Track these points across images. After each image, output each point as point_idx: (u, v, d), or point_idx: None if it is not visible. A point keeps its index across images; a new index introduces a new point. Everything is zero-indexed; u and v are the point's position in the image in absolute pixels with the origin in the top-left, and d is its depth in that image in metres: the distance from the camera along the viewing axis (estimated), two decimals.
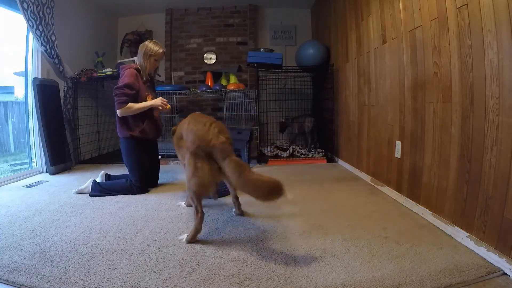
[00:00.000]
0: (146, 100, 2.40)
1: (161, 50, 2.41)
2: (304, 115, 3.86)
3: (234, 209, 1.93)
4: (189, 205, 2.00)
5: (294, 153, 3.71)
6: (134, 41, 4.52)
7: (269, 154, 3.63)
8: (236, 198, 1.91)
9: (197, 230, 1.55)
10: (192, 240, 1.54)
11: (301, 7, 4.72)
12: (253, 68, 3.76)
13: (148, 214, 1.94)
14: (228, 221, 1.80)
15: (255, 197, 1.34)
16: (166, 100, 2.44)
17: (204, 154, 1.49)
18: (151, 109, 2.40)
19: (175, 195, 2.33)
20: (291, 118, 3.85)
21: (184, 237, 1.57)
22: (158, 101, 2.39)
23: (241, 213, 1.90)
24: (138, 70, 2.39)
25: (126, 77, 2.30)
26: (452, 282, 1.17)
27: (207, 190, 1.53)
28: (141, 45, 2.42)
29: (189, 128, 1.63)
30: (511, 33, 1.21)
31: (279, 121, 3.86)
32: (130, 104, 2.28)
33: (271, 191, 1.29)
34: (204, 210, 1.95)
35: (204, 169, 1.49)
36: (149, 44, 2.39)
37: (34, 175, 3.05)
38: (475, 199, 1.43)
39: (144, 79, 2.45)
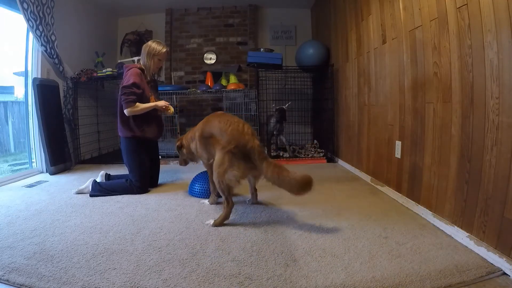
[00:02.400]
0: (149, 100, 2.40)
1: (164, 50, 2.40)
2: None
3: (250, 199, 2.12)
4: (213, 203, 2.09)
5: (295, 153, 3.71)
6: (134, 41, 4.53)
7: (269, 154, 3.63)
8: (255, 190, 2.10)
9: (226, 217, 1.76)
10: (219, 224, 1.74)
11: (301, 7, 4.72)
12: (253, 68, 3.76)
13: (148, 214, 1.94)
14: (228, 221, 1.79)
15: (290, 192, 1.62)
16: (169, 103, 2.45)
17: (241, 153, 1.70)
18: (153, 109, 2.41)
19: (175, 195, 2.33)
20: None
21: (211, 221, 1.75)
22: (162, 102, 2.40)
23: (257, 203, 2.11)
24: (142, 70, 2.39)
25: (131, 76, 2.29)
26: (452, 282, 1.17)
27: (239, 183, 1.75)
28: (144, 45, 2.41)
29: (223, 129, 1.78)
30: (511, 33, 1.21)
31: (279, 108, 3.48)
32: (137, 104, 2.29)
33: (303, 187, 1.58)
34: (203, 210, 1.98)
35: (241, 167, 1.71)
36: (152, 44, 2.39)
37: (34, 175, 3.05)
38: (475, 199, 1.43)
39: (148, 79, 2.45)
